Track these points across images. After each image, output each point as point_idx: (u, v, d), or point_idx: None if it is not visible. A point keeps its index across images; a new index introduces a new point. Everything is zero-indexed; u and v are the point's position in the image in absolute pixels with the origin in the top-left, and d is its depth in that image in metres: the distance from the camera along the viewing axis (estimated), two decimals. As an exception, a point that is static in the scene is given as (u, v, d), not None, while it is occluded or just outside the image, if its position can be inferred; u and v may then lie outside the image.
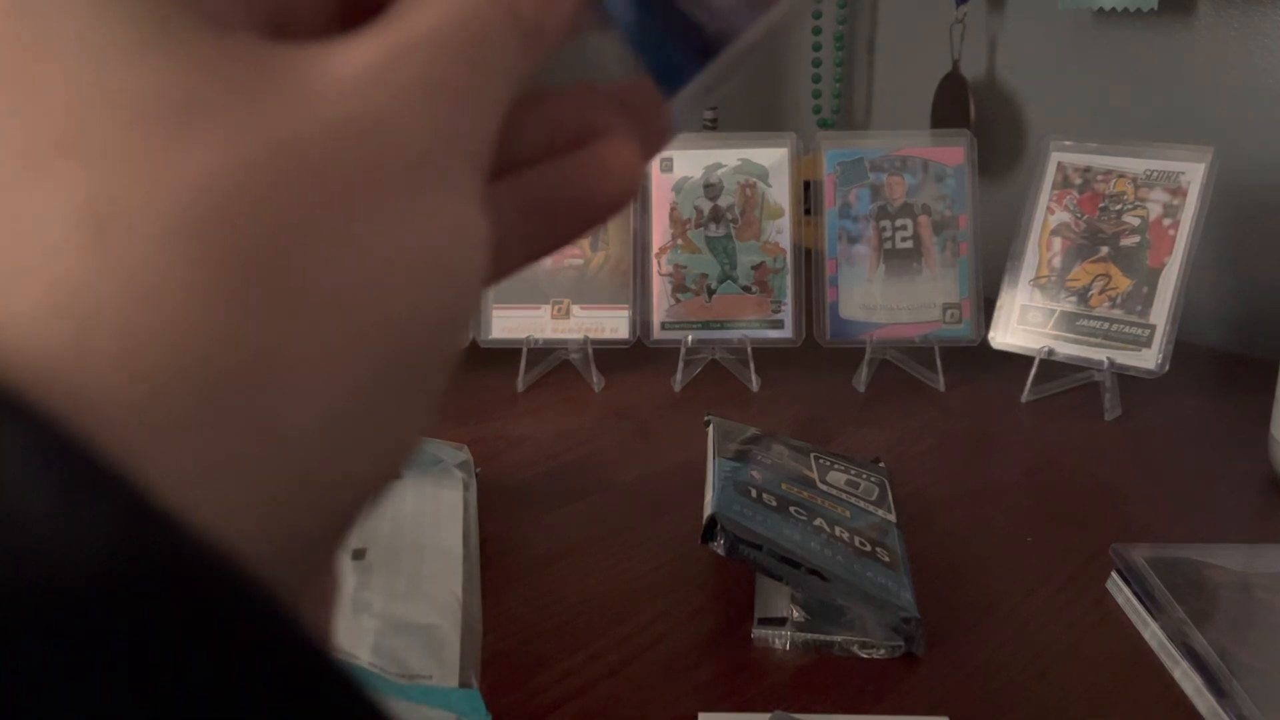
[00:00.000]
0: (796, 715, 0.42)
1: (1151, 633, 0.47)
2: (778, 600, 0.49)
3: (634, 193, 0.19)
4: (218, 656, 0.10)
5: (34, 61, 0.12)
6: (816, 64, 1.10)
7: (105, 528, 0.10)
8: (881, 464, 0.62)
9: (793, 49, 1.15)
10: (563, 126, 0.19)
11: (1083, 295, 0.77)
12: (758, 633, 0.47)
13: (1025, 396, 0.76)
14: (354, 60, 0.14)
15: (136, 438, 0.11)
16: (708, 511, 0.49)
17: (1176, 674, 0.45)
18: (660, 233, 0.81)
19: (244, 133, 0.12)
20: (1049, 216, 0.80)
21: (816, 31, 1.08)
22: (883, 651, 0.46)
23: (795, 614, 0.48)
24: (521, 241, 0.19)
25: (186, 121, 0.12)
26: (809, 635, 0.47)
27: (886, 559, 0.51)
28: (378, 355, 0.13)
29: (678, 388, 0.78)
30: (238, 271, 0.11)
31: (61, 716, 0.09)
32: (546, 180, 0.18)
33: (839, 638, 0.47)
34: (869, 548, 0.51)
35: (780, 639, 0.47)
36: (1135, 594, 0.49)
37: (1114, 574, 0.51)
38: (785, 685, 0.45)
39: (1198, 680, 0.43)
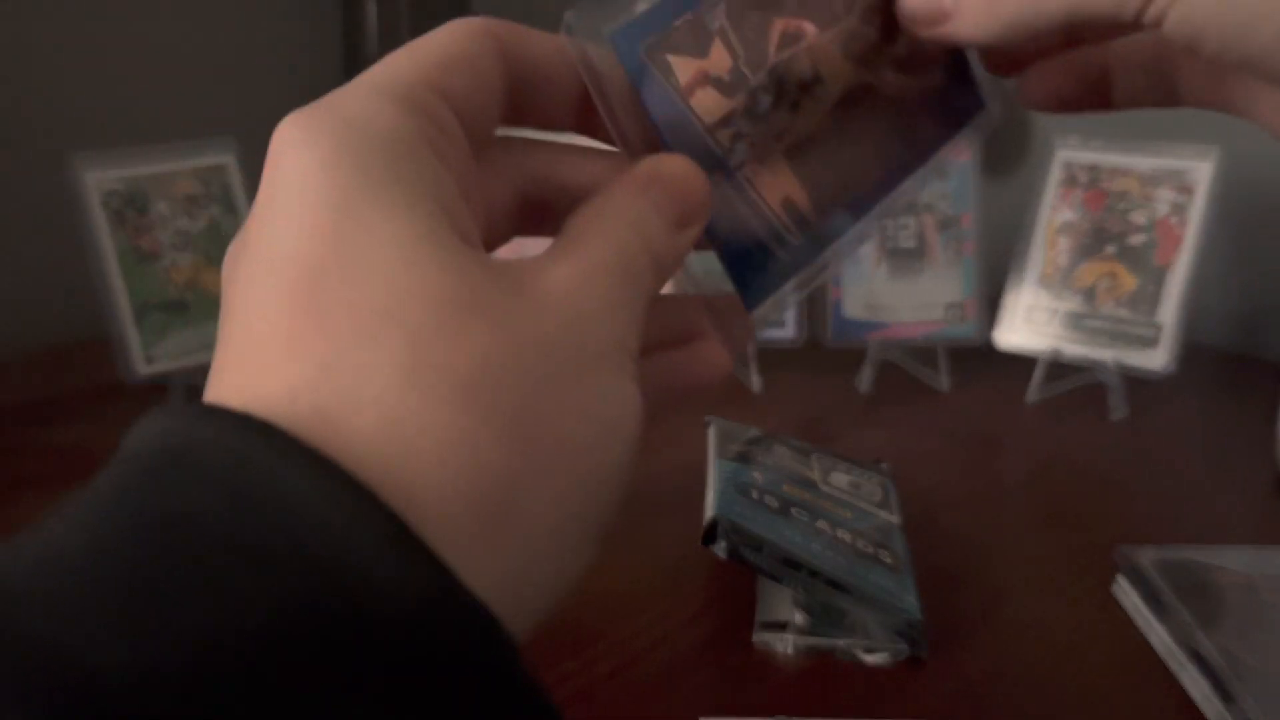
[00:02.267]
0: (798, 720, 0.41)
1: (1158, 636, 0.47)
2: (779, 604, 0.48)
3: (721, 379, 0.26)
4: (481, 678, 0.16)
5: (369, 254, 0.17)
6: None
7: (424, 580, 0.15)
8: (885, 465, 0.62)
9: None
10: (673, 326, 0.25)
11: (1089, 294, 0.77)
12: (759, 637, 0.47)
13: (1030, 397, 0.76)
14: (560, 277, 0.20)
15: (438, 522, 0.16)
16: (708, 514, 0.48)
17: (1183, 678, 0.44)
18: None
19: (503, 326, 0.18)
20: (1054, 215, 0.79)
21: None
22: (886, 655, 0.46)
23: (797, 618, 0.47)
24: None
25: (467, 314, 0.17)
26: (811, 639, 0.46)
27: (890, 561, 0.50)
28: (586, 490, 0.18)
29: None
30: (499, 418, 0.17)
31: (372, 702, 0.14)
32: (661, 369, 0.24)
33: (842, 642, 0.46)
34: (872, 550, 0.50)
35: (782, 643, 0.46)
36: (1141, 597, 0.49)
37: (1120, 576, 0.51)
38: (787, 690, 0.44)
39: (1205, 684, 0.43)
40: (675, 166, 0.23)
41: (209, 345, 0.76)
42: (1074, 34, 0.28)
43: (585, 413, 0.18)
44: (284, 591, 0.14)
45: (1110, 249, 0.77)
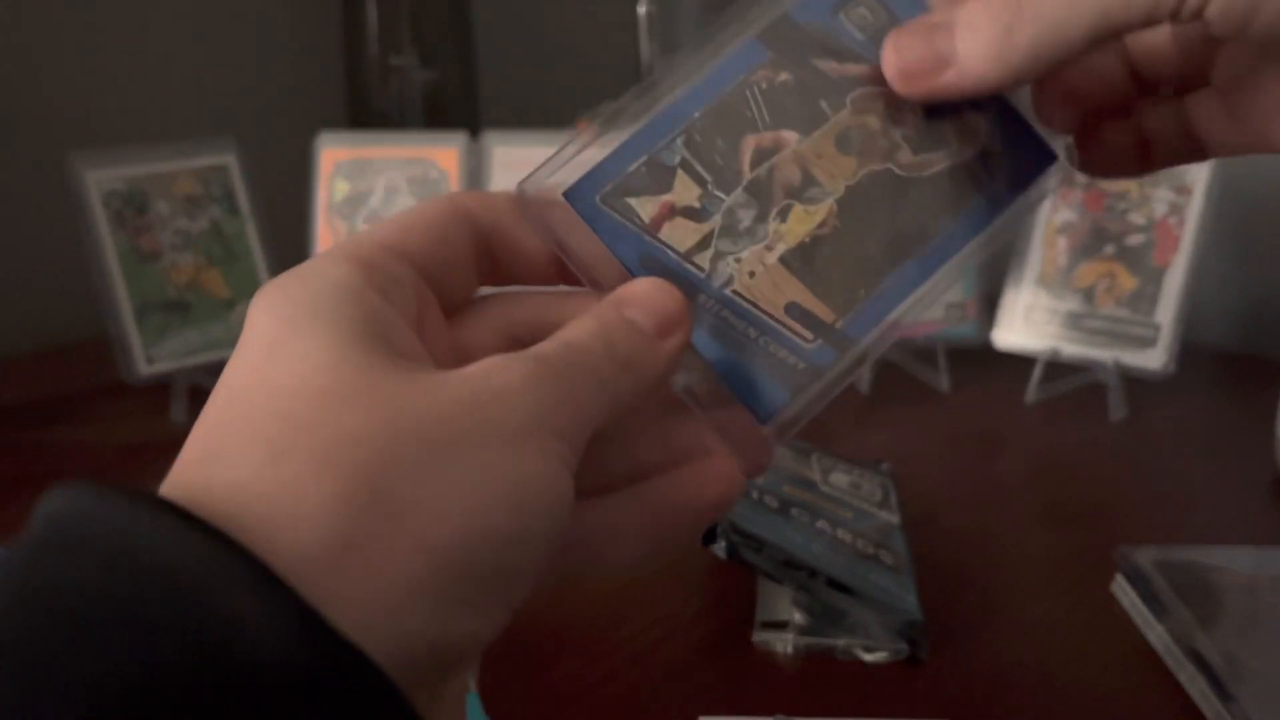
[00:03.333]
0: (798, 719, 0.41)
1: (1157, 636, 0.47)
2: (779, 604, 0.48)
3: (733, 499, 0.25)
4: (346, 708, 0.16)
5: (281, 371, 0.20)
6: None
7: (289, 616, 0.16)
8: (885, 465, 0.62)
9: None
10: (679, 445, 0.25)
11: (1088, 294, 0.77)
12: (759, 636, 0.47)
13: (1030, 397, 0.76)
14: (477, 367, 0.20)
15: (295, 571, 0.17)
16: (708, 514, 0.48)
17: (1182, 677, 0.44)
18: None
19: (384, 408, 0.19)
20: (1054, 215, 0.79)
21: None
22: (886, 655, 0.46)
23: (797, 617, 0.47)
24: (644, 537, 0.24)
25: (348, 402, 0.19)
26: (811, 639, 0.46)
27: (890, 561, 0.50)
28: (453, 554, 0.18)
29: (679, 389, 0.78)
30: (356, 484, 0.18)
31: None
32: (663, 488, 0.24)
33: (841, 641, 0.46)
34: (872, 550, 0.50)
35: (782, 643, 0.47)
36: (1141, 597, 0.49)
37: (1119, 576, 0.51)
38: (787, 689, 0.44)
39: (1203, 684, 0.43)
40: (645, 283, 0.24)
41: (210, 345, 0.77)
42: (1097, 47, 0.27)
43: (471, 484, 0.19)
44: (156, 643, 0.15)
45: (1109, 249, 0.77)
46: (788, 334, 0.25)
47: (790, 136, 0.26)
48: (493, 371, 0.20)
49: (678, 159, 0.26)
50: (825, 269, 0.26)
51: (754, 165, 0.26)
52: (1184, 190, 0.75)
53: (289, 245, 0.80)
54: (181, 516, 0.17)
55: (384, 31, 1.01)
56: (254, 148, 0.83)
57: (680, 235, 0.25)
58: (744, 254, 0.26)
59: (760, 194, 0.26)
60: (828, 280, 0.26)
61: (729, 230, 0.26)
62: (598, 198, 0.25)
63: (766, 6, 0.27)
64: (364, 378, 0.19)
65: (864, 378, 0.78)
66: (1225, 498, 0.62)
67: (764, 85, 0.27)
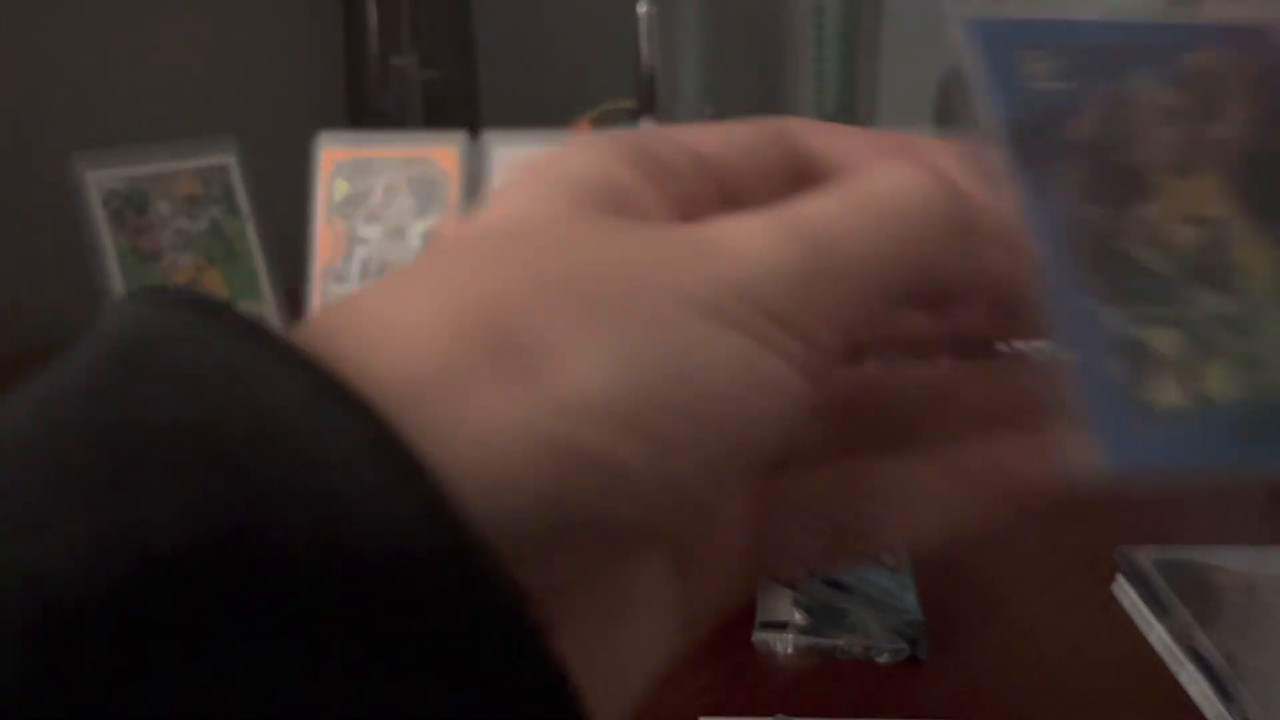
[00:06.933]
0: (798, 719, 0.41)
1: (1157, 635, 0.47)
2: (779, 604, 0.48)
3: (1048, 486, 0.20)
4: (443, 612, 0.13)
5: (485, 213, 0.17)
6: (819, 60, 1.10)
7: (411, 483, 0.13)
8: (884, 465, 0.62)
9: (795, 46, 1.14)
10: (1004, 403, 0.20)
11: (1088, 294, 0.77)
12: (759, 636, 0.47)
13: (1030, 396, 0.76)
14: (738, 230, 0.17)
15: (387, 391, 0.14)
16: (709, 514, 0.48)
17: (1182, 677, 0.44)
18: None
19: (551, 250, 0.16)
20: (1054, 215, 0.79)
21: (819, 28, 1.08)
22: (886, 655, 0.46)
23: (797, 617, 0.47)
24: (944, 503, 0.20)
25: (511, 240, 0.17)
26: (811, 639, 0.46)
27: (889, 561, 0.50)
28: (587, 403, 0.15)
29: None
30: (475, 316, 0.15)
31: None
32: (976, 453, 0.20)
33: (841, 641, 0.46)
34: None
35: (782, 643, 0.47)
36: (1141, 596, 0.49)
37: (1119, 576, 0.51)
38: (787, 689, 0.44)
39: (1204, 683, 0.43)
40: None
41: (210, 345, 0.77)
42: None
43: (623, 336, 0.15)
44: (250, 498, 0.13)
45: (1110, 249, 0.77)
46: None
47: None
48: (725, 231, 0.17)
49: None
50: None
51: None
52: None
53: (289, 245, 0.80)
54: (283, 350, 0.14)
55: (384, 31, 1.02)
56: (254, 148, 0.83)
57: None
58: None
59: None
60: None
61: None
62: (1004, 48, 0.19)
63: None
64: (554, 220, 0.17)
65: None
66: (1225, 498, 0.62)
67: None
